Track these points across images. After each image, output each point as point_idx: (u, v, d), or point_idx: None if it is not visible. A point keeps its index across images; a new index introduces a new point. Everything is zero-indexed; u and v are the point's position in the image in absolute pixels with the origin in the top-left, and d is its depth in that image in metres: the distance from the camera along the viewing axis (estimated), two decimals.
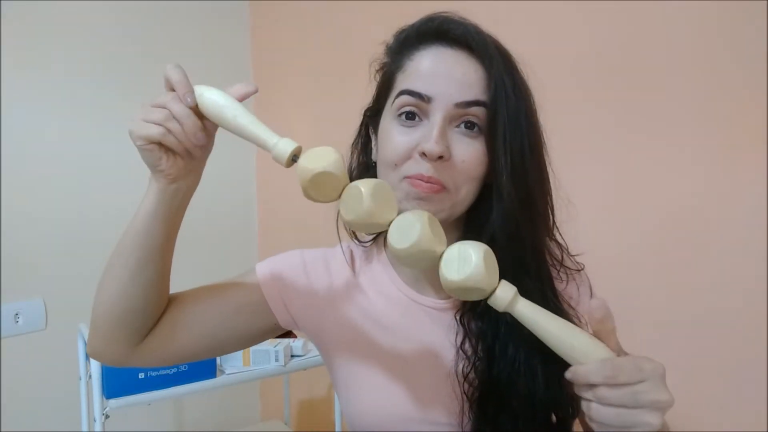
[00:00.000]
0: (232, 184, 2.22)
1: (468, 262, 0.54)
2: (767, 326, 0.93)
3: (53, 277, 1.86)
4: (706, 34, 0.98)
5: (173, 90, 0.60)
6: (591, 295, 0.77)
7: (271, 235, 2.28)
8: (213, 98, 0.60)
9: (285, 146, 0.57)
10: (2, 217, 1.77)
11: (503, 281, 0.55)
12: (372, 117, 0.73)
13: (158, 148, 0.60)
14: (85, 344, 1.39)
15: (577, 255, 0.78)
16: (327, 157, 0.56)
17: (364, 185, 0.56)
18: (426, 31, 0.67)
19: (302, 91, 2.04)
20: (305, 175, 0.56)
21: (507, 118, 0.63)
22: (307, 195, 0.58)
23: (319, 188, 0.56)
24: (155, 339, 0.70)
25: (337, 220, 0.77)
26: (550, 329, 0.54)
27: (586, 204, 1.10)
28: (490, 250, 0.56)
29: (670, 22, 1.03)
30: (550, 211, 0.71)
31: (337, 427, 1.72)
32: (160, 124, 0.59)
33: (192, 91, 0.59)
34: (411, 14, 0.71)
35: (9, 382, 1.79)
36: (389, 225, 0.57)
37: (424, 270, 0.73)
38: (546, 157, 0.69)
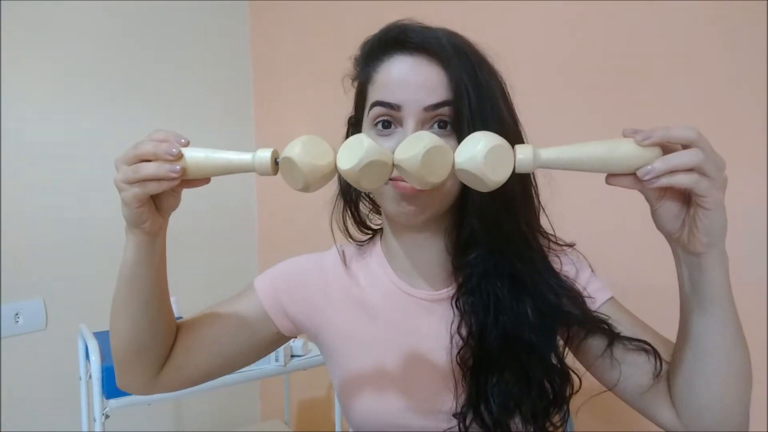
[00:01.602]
0: (232, 187, 2.22)
1: (474, 141, 0.56)
2: (767, 326, 0.93)
3: (53, 277, 1.86)
4: (706, 34, 0.98)
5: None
6: (591, 271, 0.78)
7: (270, 237, 2.28)
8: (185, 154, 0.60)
9: (263, 153, 0.59)
10: (2, 217, 1.77)
11: (516, 145, 0.57)
12: (354, 125, 0.77)
13: (148, 210, 0.61)
14: (85, 344, 1.41)
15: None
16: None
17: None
18: (386, 42, 0.70)
19: (302, 91, 2.04)
20: (294, 146, 0.58)
21: (470, 112, 0.65)
22: (301, 167, 0.57)
23: (311, 148, 0.58)
24: (172, 368, 0.74)
25: (331, 222, 0.81)
26: (589, 153, 0.58)
27: (584, 204, 1.10)
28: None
29: (668, 22, 1.03)
30: (534, 194, 0.73)
31: (337, 427, 1.72)
32: (151, 179, 0.59)
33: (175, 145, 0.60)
34: (411, 15, 0.72)
35: (9, 382, 1.79)
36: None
37: (418, 264, 0.76)
38: (524, 138, 0.72)
